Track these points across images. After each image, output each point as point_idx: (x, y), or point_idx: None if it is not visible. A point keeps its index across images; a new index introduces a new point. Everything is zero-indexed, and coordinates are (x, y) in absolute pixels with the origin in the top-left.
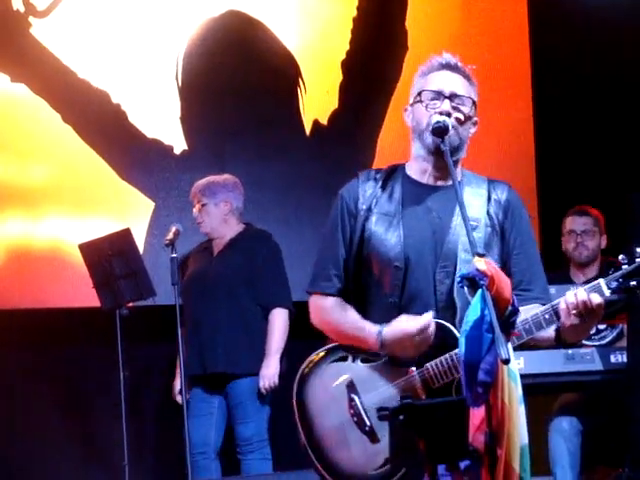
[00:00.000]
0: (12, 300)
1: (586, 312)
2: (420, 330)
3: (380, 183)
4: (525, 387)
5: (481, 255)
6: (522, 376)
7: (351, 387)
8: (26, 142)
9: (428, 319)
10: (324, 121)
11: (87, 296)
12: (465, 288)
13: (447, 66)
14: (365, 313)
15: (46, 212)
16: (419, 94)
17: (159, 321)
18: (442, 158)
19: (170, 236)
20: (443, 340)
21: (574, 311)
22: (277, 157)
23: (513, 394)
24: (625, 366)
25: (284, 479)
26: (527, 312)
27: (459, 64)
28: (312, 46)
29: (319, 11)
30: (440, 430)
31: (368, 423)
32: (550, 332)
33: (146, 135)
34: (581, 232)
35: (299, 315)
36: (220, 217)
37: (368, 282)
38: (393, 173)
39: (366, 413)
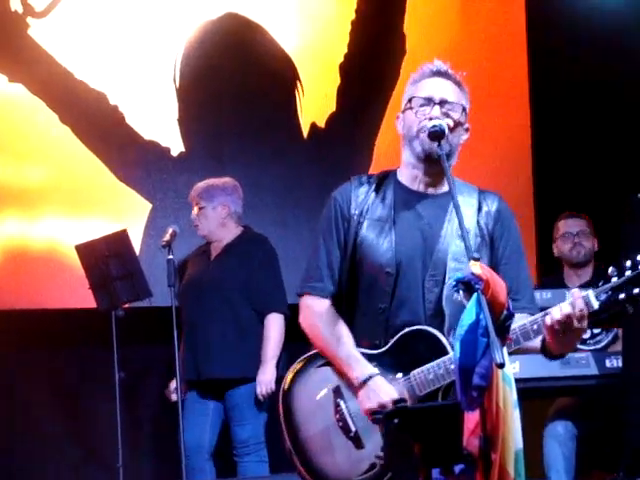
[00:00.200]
0: (8, 301)
1: (571, 324)
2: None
3: (372, 188)
4: (520, 391)
5: (476, 259)
6: (517, 380)
7: (337, 392)
8: (23, 142)
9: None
10: (322, 124)
11: (83, 297)
12: (460, 292)
13: (438, 73)
14: (354, 317)
15: (43, 213)
16: (409, 100)
17: (155, 322)
18: (432, 165)
19: (167, 237)
20: (431, 348)
21: (559, 324)
22: (275, 160)
23: (508, 398)
24: (620, 371)
25: None
26: (515, 322)
27: (450, 71)
28: (310, 49)
29: (317, 14)
30: (434, 434)
31: (353, 429)
32: (536, 342)
33: (143, 137)
34: (577, 233)
35: (296, 318)
36: (217, 221)
37: (358, 287)
38: (385, 179)
39: (352, 418)
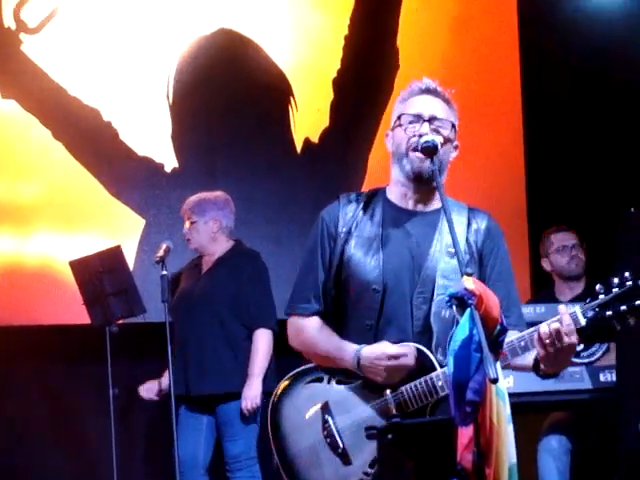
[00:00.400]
0: (3, 317)
1: (560, 341)
2: (398, 355)
3: (361, 206)
4: (514, 406)
5: (469, 274)
6: (511, 395)
7: (325, 408)
8: (16, 159)
9: (409, 349)
10: (315, 139)
11: (77, 313)
12: (454, 307)
13: (427, 90)
14: (342, 335)
15: (37, 229)
16: (398, 118)
17: (149, 338)
18: (421, 183)
19: (160, 253)
20: (419, 364)
21: (547, 341)
22: (268, 175)
23: (502, 413)
24: (614, 385)
25: None
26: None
27: (439, 88)
28: (303, 64)
29: (311, 29)
30: (428, 449)
31: (341, 445)
32: (528, 360)
33: (137, 152)
34: (572, 246)
35: (282, 333)
36: (208, 235)
37: (346, 304)
38: (374, 197)
39: (339, 435)
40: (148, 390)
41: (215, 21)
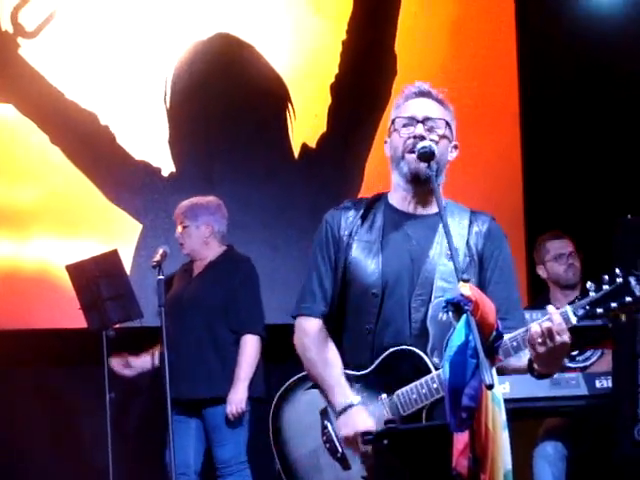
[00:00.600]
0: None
1: (551, 340)
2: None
3: (362, 211)
4: (510, 411)
5: (466, 281)
6: (507, 400)
7: (325, 414)
8: (13, 163)
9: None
10: (313, 145)
11: (74, 317)
12: (450, 313)
13: (420, 93)
14: (342, 338)
15: (34, 234)
16: (393, 122)
17: (146, 342)
18: (420, 185)
19: (157, 258)
20: (414, 368)
21: (539, 340)
22: (265, 180)
23: (497, 419)
24: (610, 391)
25: None
26: None
27: (431, 90)
28: (301, 69)
29: (308, 34)
30: (424, 454)
31: (340, 450)
32: (523, 361)
33: (134, 157)
34: (569, 254)
35: (278, 338)
36: (201, 239)
37: (346, 308)
38: (376, 202)
39: (338, 440)
40: (117, 363)
41: (213, 26)
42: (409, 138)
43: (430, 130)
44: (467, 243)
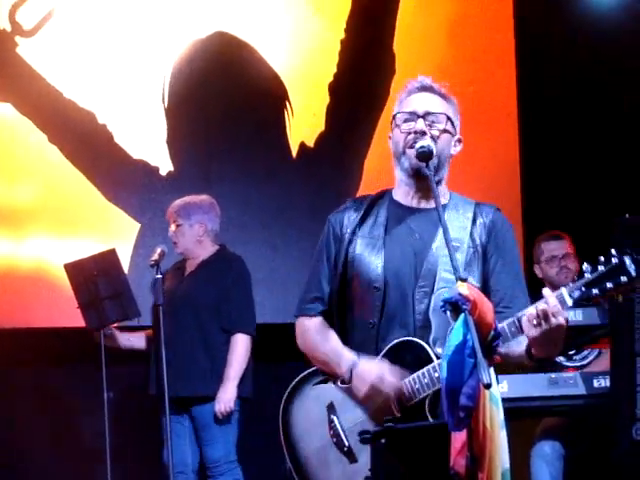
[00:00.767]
0: None
1: (546, 321)
2: (388, 376)
3: (366, 207)
4: (508, 411)
5: (464, 280)
6: (505, 400)
7: (331, 408)
8: (11, 162)
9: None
10: (311, 144)
11: (72, 316)
12: (448, 312)
13: (421, 88)
14: (347, 334)
15: (31, 232)
16: (394, 118)
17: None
18: (422, 180)
19: (155, 257)
20: (417, 358)
21: (535, 322)
22: (263, 179)
23: (495, 418)
24: (608, 391)
25: None
26: None
27: (433, 84)
28: (299, 68)
29: (307, 33)
30: (422, 453)
31: (346, 443)
32: (522, 347)
33: (132, 156)
34: (563, 256)
35: (277, 338)
36: (194, 238)
37: (350, 304)
38: (380, 198)
39: (344, 433)
40: (115, 331)
41: (211, 24)
42: (410, 133)
43: (431, 125)
44: (471, 235)
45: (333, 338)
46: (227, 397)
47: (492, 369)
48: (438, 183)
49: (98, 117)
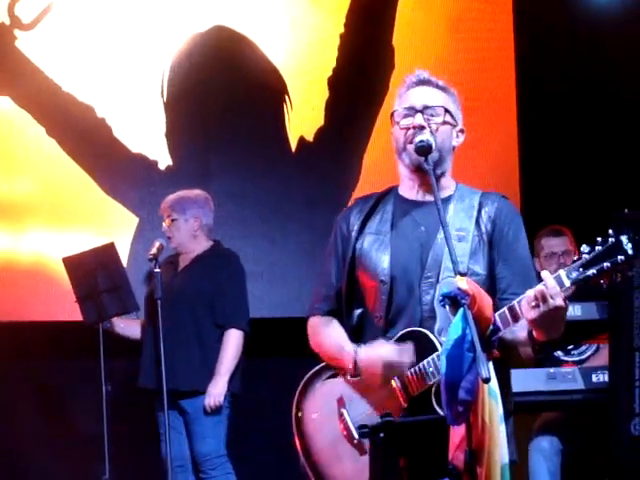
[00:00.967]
0: None
1: (544, 303)
2: (394, 354)
3: (372, 205)
4: None
5: (463, 274)
6: None
7: (341, 402)
8: (10, 155)
9: (405, 353)
10: (310, 138)
11: (70, 310)
12: (447, 307)
13: (418, 82)
14: (356, 330)
15: (30, 226)
16: (392, 115)
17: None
18: (424, 174)
19: (154, 251)
20: (423, 348)
21: (533, 304)
22: (262, 173)
23: (494, 413)
24: (606, 386)
25: None
26: None
27: (431, 77)
28: (299, 62)
29: (306, 27)
30: (420, 448)
31: (356, 436)
32: (523, 333)
33: (131, 150)
34: (562, 253)
35: (276, 332)
36: (189, 233)
37: (359, 300)
38: (387, 194)
39: (354, 426)
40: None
41: (210, 18)
42: (409, 129)
43: (430, 118)
44: (477, 224)
45: (335, 332)
46: (217, 391)
47: (491, 363)
48: (442, 175)
49: (97, 111)
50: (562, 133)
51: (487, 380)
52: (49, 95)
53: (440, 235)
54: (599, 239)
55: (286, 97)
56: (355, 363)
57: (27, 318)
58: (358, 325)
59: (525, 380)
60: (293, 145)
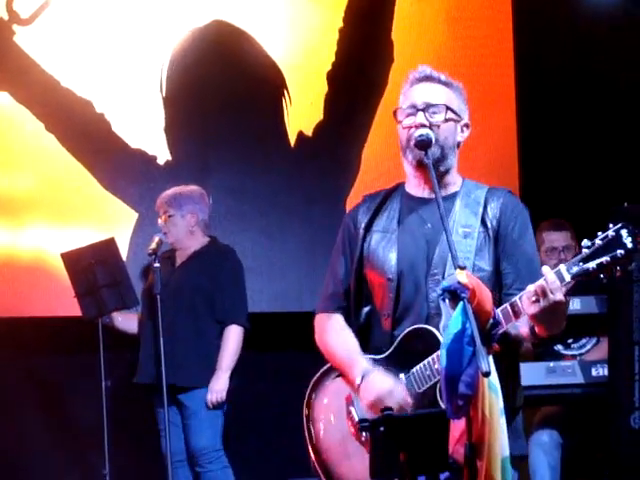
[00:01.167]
0: None
1: (545, 297)
2: (388, 392)
3: (380, 201)
4: None
5: (462, 268)
6: None
7: (349, 400)
8: (8, 151)
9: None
10: (309, 133)
11: (70, 305)
12: (446, 301)
13: (422, 78)
14: (364, 328)
15: (29, 221)
16: (394, 113)
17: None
18: (427, 171)
19: (153, 246)
20: (429, 345)
21: (534, 298)
22: (261, 168)
23: (494, 406)
24: (606, 379)
25: None
26: None
27: (434, 73)
28: (297, 57)
29: (305, 22)
30: (420, 442)
31: (364, 434)
32: (526, 329)
33: (130, 145)
34: (563, 248)
35: (274, 327)
36: (186, 229)
37: (367, 297)
38: (394, 191)
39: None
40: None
41: (209, 13)
42: (411, 127)
43: (432, 116)
44: (482, 220)
45: (350, 341)
46: (219, 388)
47: (491, 357)
48: (447, 172)
49: (96, 106)
50: (561, 127)
51: (487, 374)
52: (48, 90)
53: None
54: (599, 233)
55: (285, 92)
56: (362, 379)
57: (27, 314)
58: (366, 323)
59: (525, 374)
60: (292, 140)
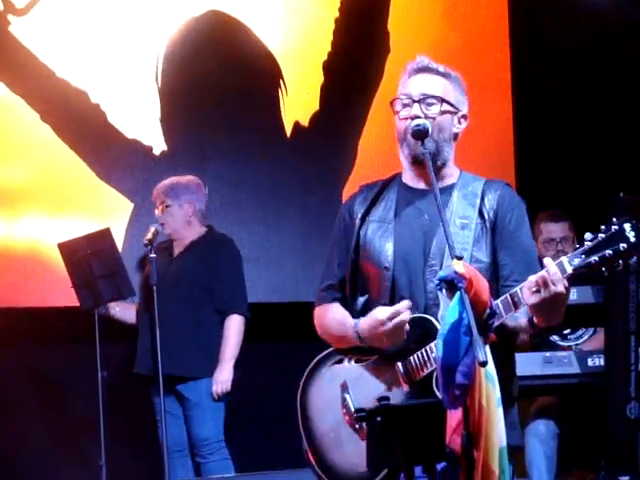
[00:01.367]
0: None
1: (546, 288)
2: (391, 316)
3: (376, 192)
4: None
5: (459, 258)
6: None
7: (344, 387)
8: (5, 142)
9: (400, 307)
10: (305, 123)
11: (66, 295)
12: (443, 290)
13: (419, 69)
14: (359, 316)
15: (24, 212)
16: (391, 104)
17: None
18: (422, 164)
19: (149, 236)
20: (426, 333)
21: (534, 289)
22: (257, 158)
23: (491, 396)
24: (602, 369)
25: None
26: None
27: (432, 64)
28: (293, 47)
29: (301, 12)
30: (417, 432)
31: (361, 422)
32: (524, 320)
33: (125, 135)
34: (560, 239)
35: (272, 317)
36: (183, 219)
37: (364, 287)
38: (391, 182)
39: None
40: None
41: (205, 2)
42: (406, 119)
43: (428, 108)
44: (480, 212)
45: (337, 313)
46: (224, 378)
47: (488, 347)
48: (443, 165)
49: (91, 96)
50: (557, 118)
51: (484, 363)
52: (43, 80)
53: None
54: (602, 227)
55: (281, 82)
56: (358, 333)
57: (23, 304)
58: (363, 312)
59: (521, 364)
60: (288, 130)
